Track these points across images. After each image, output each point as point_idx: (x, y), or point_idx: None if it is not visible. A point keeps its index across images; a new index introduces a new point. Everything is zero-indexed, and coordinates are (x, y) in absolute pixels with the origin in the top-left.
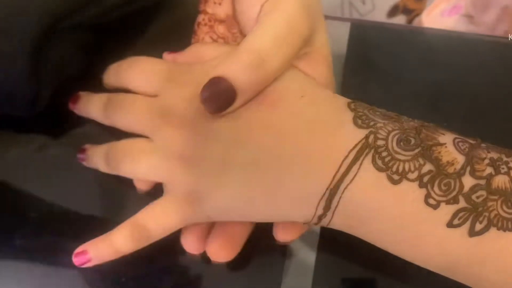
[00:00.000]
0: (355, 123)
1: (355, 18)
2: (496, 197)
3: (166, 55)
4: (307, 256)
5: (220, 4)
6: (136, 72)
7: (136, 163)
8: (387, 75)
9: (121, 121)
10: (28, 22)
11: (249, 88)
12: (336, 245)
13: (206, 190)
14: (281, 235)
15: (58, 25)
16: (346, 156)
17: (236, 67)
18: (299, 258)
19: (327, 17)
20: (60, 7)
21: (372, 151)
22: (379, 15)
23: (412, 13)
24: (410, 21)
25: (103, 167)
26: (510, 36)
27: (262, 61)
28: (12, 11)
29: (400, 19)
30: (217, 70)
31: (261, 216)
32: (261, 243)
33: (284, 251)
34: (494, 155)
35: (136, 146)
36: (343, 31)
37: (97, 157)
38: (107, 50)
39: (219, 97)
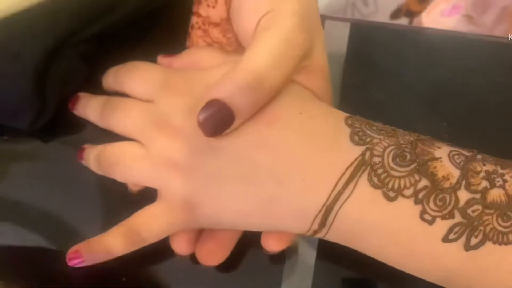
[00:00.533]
0: (352, 140)
1: (355, 18)
2: (491, 211)
3: (161, 59)
4: (307, 256)
5: (213, 7)
6: (134, 77)
7: (128, 170)
8: (387, 75)
9: (116, 125)
10: (33, 45)
11: (247, 110)
12: (336, 245)
13: (200, 200)
14: (270, 245)
15: (63, 44)
16: (343, 174)
17: (233, 89)
18: (299, 258)
19: (327, 17)
20: (65, 29)
21: (368, 168)
22: (382, 17)
23: (414, 15)
24: (410, 23)
25: (96, 169)
26: (510, 36)
27: (260, 82)
28: (19, 35)
29: (402, 22)
30: (213, 92)
31: (255, 227)
32: (261, 243)
33: (284, 251)
34: (489, 167)
35: (129, 151)
36: (343, 31)
37: (91, 159)
38: (109, 56)
39: (216, 120)
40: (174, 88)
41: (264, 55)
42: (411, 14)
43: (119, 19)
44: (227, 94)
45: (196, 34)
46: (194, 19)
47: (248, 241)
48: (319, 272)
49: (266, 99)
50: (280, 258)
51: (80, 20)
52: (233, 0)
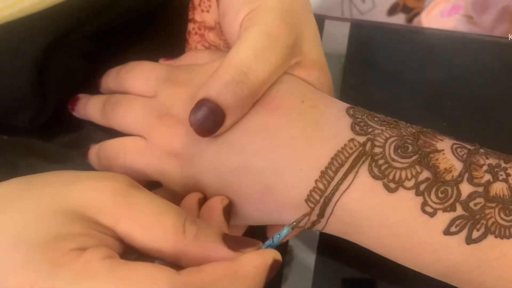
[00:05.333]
0: (353, 130)
1: (355, 18)
2: (493, 205)
3: (162, 62)
4: (307, 256)
5: (208, 11)
6: (135, 74)
7: (128, 163)
8: (387, 75)
9: (118, 120)
10: (33, 41)
11: (236, 105)
12: (336, 245)
13: (198, 190)
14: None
15: (62, 40)
16: (342, 164)
17: (219, 86)
18: (299, 258)
19: (327, 17)
20: (63, 25)
21: (369, 159)
22: (379, 13)
23: (411, 11)
24: (409, 20)
25: (96, 165)
26: (510, 36)
27: (244, 75)
28: (18, 31)
29: (399, 17)
30: (200, 91)
31: (253, 220)
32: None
33: (284, 251)
34: (492, 161)
35: (129, 145)
36: (343, 31)
37: (91, 155)
38: (108, 56)
39: (208, 119)
40: (175, 80)
41: (245, 49)
42: (408, 10)
43: (117, 17)
44: (213, 91)
45: (194, 40)
46: (190, 26)
47: None
48: (319, 273)
49: (254, 92)
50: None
51: (79, 16)
52: (219, 7)
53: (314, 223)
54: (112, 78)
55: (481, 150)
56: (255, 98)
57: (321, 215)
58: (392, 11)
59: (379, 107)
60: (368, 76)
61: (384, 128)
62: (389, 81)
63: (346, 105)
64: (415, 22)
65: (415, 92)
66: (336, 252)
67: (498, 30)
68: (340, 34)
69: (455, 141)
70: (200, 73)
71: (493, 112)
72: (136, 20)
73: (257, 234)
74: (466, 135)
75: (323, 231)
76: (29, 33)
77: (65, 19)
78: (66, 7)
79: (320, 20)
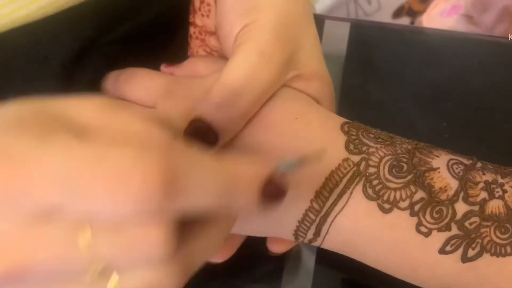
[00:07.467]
0: (347, 149)
1: (355, 18)
2: (489, 223)
3: (164, 68)
4: (307, 257)
5: (208, 16)
6: (135, 84)
7: None
8: (387, 75)
9: None
10: (61, 48)
11: (228, 126)
12: None
13: None
14: (273, 248)
15: (89, 47)
16: (337, 185)
17: (210, 107)
18: (299, 259)
19: (327, 17)
20: (91, 31)
21: (363, 179)
22: (385, 15)
23: (416, 15)
24: (412, 23)
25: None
26: (510, 36)
27: (236, 97)
28: (47, 39)
29: (404, 20)
30: (193, 112)
31: (251, 232)
32: (261, 244)
33: (285, 253)
34: (489, 177)
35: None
36: (343, 31)
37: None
38: (136, 61)
39: (201, 139)
40: (175, 94)
41: (238, 70)
42: (413, 13)
43: (144, 22)
44: (205, 111)
45: (195, 44)
46: (191, 29)
47: (249, 244)
48: (319, 273)
49: (246, 113)
50: (280, 259)
51: (105, 22)
52: (216, 17)
53: (311, 241)
54: (110, 83)
55: (478, 165)
56: (247, 118)
57: (317, 234)
58: (398, 13)
59: (379, 107)
60: (368, 76)
61: (379, 145)
62: (389, 81)
63: (341, 120)
64: (416, 22)
65: (415, 92)
66: (336, 253)
67: (498, 30)
68: (340, 34)
69: (451, 156)
70: (198, 89)
71: (493, 112)
72: (163, 22)
73: (256, 242)
74: (466, 135)
75: (321, 247)
76: (57, 40)
77: (92, 25)
78: (93, 12)
79: (320, 20)
